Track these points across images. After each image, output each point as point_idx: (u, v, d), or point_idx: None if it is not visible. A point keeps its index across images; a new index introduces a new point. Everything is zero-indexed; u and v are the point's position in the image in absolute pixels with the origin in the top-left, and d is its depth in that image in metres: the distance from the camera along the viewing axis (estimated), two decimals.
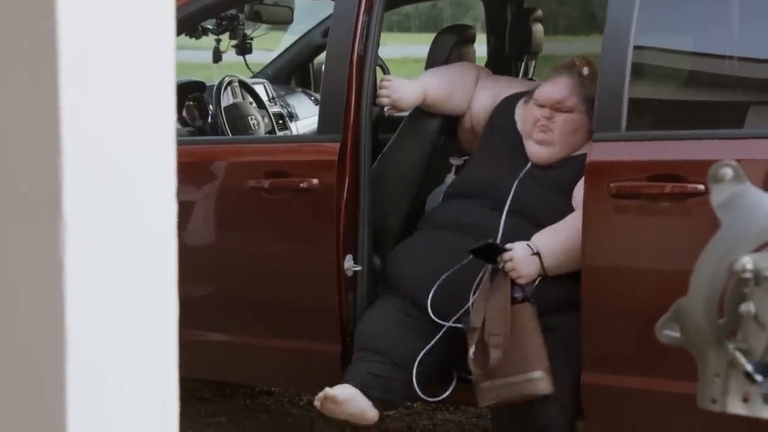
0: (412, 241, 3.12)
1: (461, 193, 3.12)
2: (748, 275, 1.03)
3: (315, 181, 3.12)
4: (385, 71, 4.47)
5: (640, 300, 2.69)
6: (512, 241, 2.89)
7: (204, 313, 3.35)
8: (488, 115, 3.26)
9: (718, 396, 1.07)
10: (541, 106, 3.07)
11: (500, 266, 2.81)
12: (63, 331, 0.93)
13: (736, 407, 1.06)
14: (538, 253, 2.83)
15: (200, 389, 4.09)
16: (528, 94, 3.18)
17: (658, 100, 3.22)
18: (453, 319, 2.87)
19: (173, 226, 1.01)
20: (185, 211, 3.28)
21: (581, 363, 2.83)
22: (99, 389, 0.98)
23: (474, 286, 2.86)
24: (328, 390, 2.82)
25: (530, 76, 4.49)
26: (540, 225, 2.93)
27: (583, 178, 2.85)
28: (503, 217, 2.95)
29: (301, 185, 3.14)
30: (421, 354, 2.89)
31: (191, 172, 3.30)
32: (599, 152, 2.79)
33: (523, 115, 3.14)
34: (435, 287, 2.87)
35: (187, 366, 3.45)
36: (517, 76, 4.39)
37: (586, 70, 3.05)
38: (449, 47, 3.45)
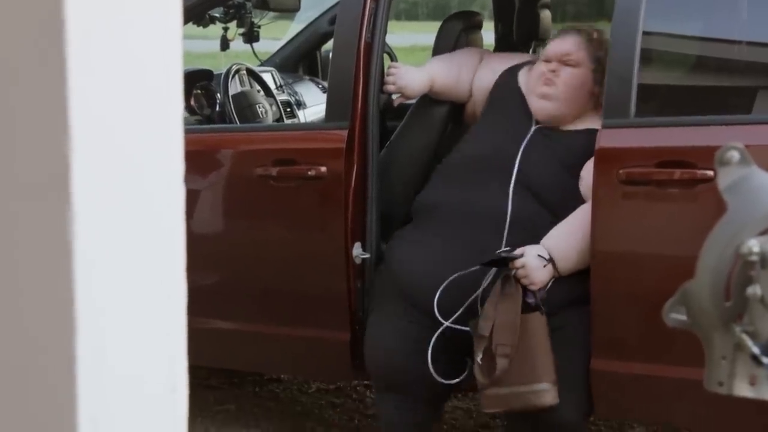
0: (412, 235, 3.03)
1: (461, 169, 3.03)
2: (754, 258, 1.04)
3: (323, 168, 3.12)
4: (393, 59, 4.46)
5: (650, 286, 2.68)
6: (522, 222, 2.83)
7: (212, 301, 3.35)
8: (488, 91, 3.22)
9: (725, 379, 1.07)
10: (548, 60, 3.04)
11: (512, 273, 2.77)
12: (72, 319, 0.93)
13: (742, 390, 1.06)
14: (551, 260, 2.79)
15: (209, 377, 4.12)
16: (532, 62, 3.16)
17: (667, 86, 3.22)
18: (457, 316, 2.82)
19: (181, 210, 1.01)
20: (194, 199, 3.31)
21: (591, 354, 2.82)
22: (108, 376, 0.98)
23: (481, 287, 2.82)
24: None
25: None
26: (547, 205, 2.87)
27: (592, 159, 2.84)
28: (510, 193, 2.87)
29: (309, 173, 3.14)
30: (432, 341, 2.85)
31: (199, 160, 3.32)
32: (608, 138, 2.78)
33: (528, 77, 3.12)
34: (441, 289, 2.80)
35: (196, 354, 3.45)
36: None
37: (595, 35, 3.05)
38: (456, 34, 3.44)
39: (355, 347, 3.13)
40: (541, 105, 3.01)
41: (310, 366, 3.38)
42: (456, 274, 2.79)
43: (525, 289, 2.76)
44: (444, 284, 2.80)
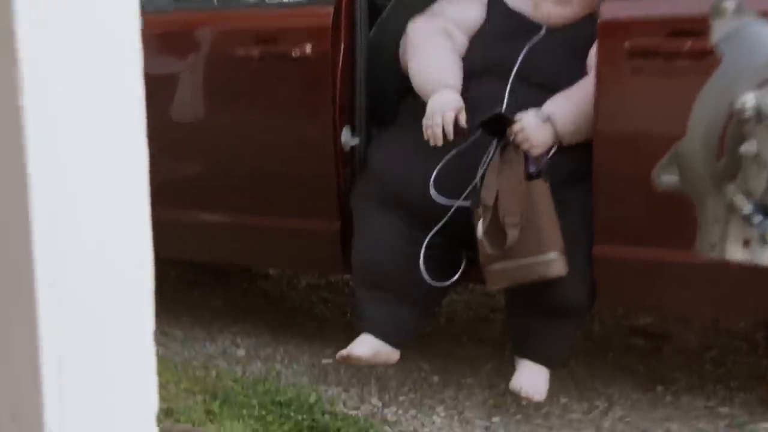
0: (396, 132, 3.00)
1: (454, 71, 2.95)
2: (749, 113, 1.03)
3: (308, 48, 3.06)
4: None
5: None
6: (519, 111, 2.80)
7: (194, 192, 3.35)
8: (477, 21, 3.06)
9: (717, 241, 1.08)
10: None
11: (511, 139, 2.71)
12: (27, 197, 0.93)
13: (735, 253, 1.07)
14: (549, 119, 2.74)
15: (195, 274, 4.13)
16: None
17: None
18: (462, 197, 2.80)
19: (139, 77, 1.01)
20: (171, 83, 3.30)
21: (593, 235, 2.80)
22: (73, 251, 0.98)
23: (481, 164, 2.77)
24: (352, 351, 2.85)
25: None
26: (551, 91, 2.83)
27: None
28: (508, 85, 2.84)
29: (294, 53, 3.08)
30: (428, 238, 2.84)
31: (177, 41, 3.29)
32: (613, 9, 2.72)
33: None
34: (437, 170, 2.77)
35: (178, 248, 3.44)
36: None
37: None
38: None
39: (346, 237, 3.11)
40: (553, 11, 2.94)
41: (299, 259, 3.37)
42: (453, 150, 2.76)
43: (526, 158, 2.74)
44: (441, 163, 2.76)
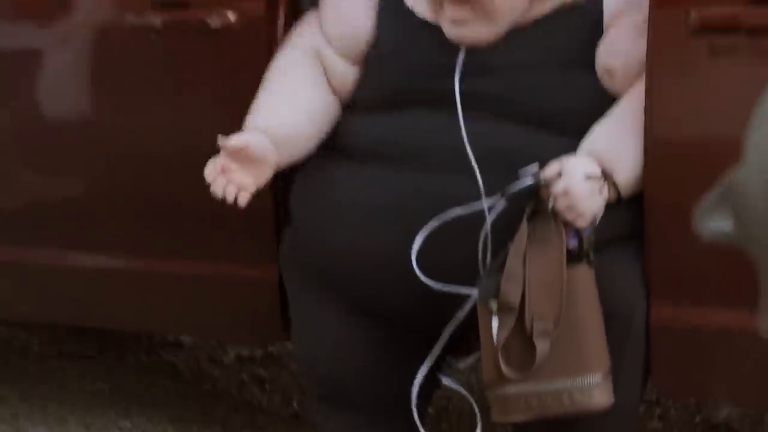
0: (333, 182, 2.89)
1: (380, 99, 2.88)
2: None
3: (232, 15, 3.04)
4: None
5: None
6: (496, 155, 2.68)
7: (70, 225, 3.31)
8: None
9: None
10: None
11: (549, 206, 2.61)
12: None
13: None
14: (607, 174, 2.64)
15: (69, 342, 4.14)
16: None
17: None
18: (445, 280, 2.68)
19: None
20: (36, 64, 3.34)
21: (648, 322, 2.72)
22: None
23: (482, 231, 2.66)
24: None
25: None
26: (531, 118, 2.72)
27: (614, 31, 2.72)
28: (460, 115, 2.72)
29: (211, 22, 3.05)
30: (420, 377, 2.84)
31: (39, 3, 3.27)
32: None
33: None
34: (421, 236, 2.66)
35: (45, 306, 3.47)
36: None
37: None
38: None
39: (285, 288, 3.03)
40: (459, 34, 2.79)
41: (221, 322, 3.31)
42: (435, 222, 2.65)
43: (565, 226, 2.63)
44: (421, 236, 2.66)
